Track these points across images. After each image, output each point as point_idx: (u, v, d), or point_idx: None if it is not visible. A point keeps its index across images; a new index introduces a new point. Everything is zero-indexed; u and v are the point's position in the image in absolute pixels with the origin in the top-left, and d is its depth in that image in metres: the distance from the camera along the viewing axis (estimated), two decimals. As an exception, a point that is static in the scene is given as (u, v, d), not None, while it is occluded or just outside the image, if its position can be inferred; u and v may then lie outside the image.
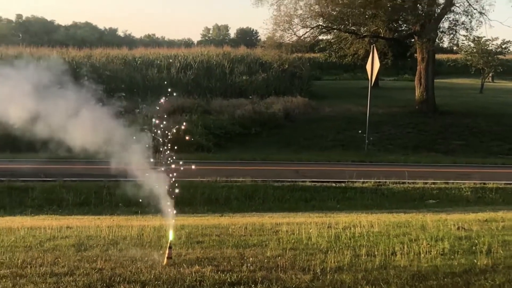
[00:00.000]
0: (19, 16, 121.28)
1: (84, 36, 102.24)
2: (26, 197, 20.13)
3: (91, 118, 9.15)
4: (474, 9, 43.46)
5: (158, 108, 9.64)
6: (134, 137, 9.11)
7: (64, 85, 9.51)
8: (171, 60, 48.72)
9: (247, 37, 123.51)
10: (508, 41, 58.93)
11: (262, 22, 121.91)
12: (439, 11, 43.40)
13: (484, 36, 56.66)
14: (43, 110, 9.00)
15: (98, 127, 9.06)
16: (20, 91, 9.11)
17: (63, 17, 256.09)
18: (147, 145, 9.01)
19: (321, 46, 58.37)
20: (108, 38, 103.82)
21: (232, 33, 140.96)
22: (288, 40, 45.51)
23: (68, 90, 9.48)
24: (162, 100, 9.79)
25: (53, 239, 10.01)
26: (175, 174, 8.64)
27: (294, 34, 45.12)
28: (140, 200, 9.30)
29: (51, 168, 22.91)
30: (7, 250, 9.14)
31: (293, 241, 9.97)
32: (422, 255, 9.00)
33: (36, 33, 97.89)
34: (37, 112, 9.01)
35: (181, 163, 8.55)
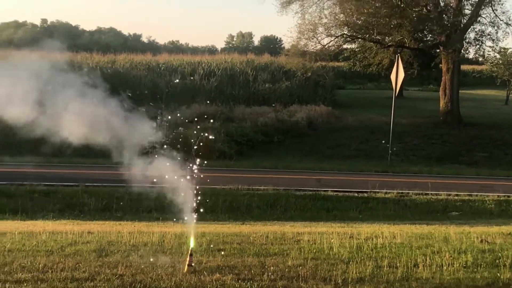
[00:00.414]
0: (44, 20, 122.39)
1: (108, 41, 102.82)
2: (48, 202, 20.21)
3: (114, 122, 9.16)
4: (501, 20, 43.24)
5: (181, 115, 9.65)
6: (157, 143, 9.11)
7: (85, 89, 9.53)
8: (195, 67, 48.79)
9: (271, 45, 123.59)
10: (535, 53, 58.45)
11: (286, 30, 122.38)
12: (465, 21, 43.15)
13: (510, 48, 56.33)
14: (65, 114, 9.03)
15: (120, 132, 9.07)
16: (44, 94, 9.15)
17: (88, 22, 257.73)
18: (169, 151, 9.00)
19: (345, 55, 58.18)
20: (132, 44, 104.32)
21: (256, 40, 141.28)
22: (312, 48, 45.39)
23: (90, 94, 9.51)
24: (185, 107, 9.80)
25: (74, 244, 10.04)
26: (198, 181, 8.63)
27: (319, 43, 45.02)
28: (161, 206, 9.30)
29: (72, 173, 23.01)
30: (29, 254, 9.17)
31: (314, 250, 9.92)
32: (445, 268, 8.92)
33: (60, 38, 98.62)
34: (59, 115, 9.04)
35: (201, 175, 8.54)
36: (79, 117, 9.08)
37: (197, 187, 8.75)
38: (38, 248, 9.71)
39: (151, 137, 9.23)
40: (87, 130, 9.07)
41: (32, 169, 24.15)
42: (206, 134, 9.68)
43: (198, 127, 9.60)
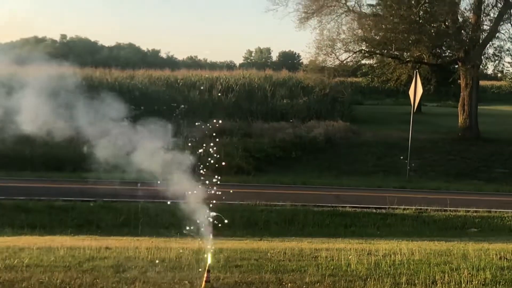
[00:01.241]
0: (63, 36, 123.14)
1: (127, 57, 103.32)
2: (66, 217, 20.28)
3: (130, 138, 9.21)
4: (519, 36, 43.12)
5: (199, 130, 9.70)
6: (175, 159, 9.13)
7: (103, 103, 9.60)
8: (213, 83, 48.90)
9: (289, 60, 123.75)
10: (553, 69, 58.15)
11: (305, 46, 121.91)
12: (483, 37, 43.05)
13: (529, 64, 56.14)
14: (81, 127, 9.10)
15: (139, 148, 9.11)
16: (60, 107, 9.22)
17: (107, 38, 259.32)
18: (188, 168, 9.02)
19: (364, 70, 58.19)
20: (151, 59, 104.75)
21: (274, 56, 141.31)
22: (331, 64, 45.39)
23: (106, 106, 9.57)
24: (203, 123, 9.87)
25: (92, 260, 10.06)
26: (215, 197, 8.64)
27: (337, 58, 45.01)
28: (179, 222, 9.30)
29: (90, 188, 23.06)
30: (47, 270, 9.20)
31: (332, 267, 9.88)
32: (463, 285, 8.87)
33: (79, 54, 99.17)
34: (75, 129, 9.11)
35: (218, 192, 8.54)
36: (100, 134, 9.15)
37: (215, 203, 8.76)
38: (56, 263, 9.74)
39: (169, 152, 9.26)
40: (107, 145, 9.13)
41: (51, 184, 24.28)
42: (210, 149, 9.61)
43: (214, 143, 9.58)
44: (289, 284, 8.59)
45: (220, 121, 36.59)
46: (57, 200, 21.81)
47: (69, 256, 10.39)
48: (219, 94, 47.22)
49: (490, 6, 43.39)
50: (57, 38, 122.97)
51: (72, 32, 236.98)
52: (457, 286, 8.83)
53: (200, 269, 9.21)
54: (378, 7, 46.18)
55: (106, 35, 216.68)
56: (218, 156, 9.04)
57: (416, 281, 8.96)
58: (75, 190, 22.81)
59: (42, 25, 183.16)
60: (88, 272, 9.11)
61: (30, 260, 9.93)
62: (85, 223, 19.79)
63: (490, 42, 43.72)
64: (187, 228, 9.02)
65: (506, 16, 42.42)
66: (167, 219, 18.33)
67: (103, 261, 9.94)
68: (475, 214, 23.05)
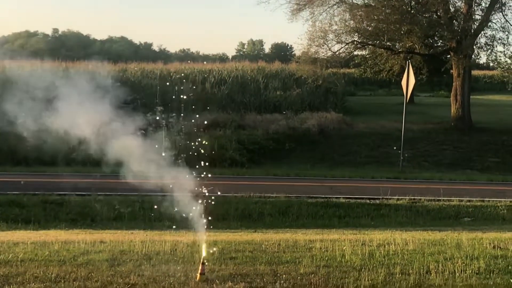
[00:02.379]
0: (55, 30, 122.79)
1: (120, 50, 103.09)
2: (60, 211, 20.26)
3: (123, 132, 9.21)
4: (511, 25, 43.14)
5: (192, 123, 9.70)
6: (168, 152, 9.13)
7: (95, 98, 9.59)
8: (206, 75, 48.81)
9: (281, 52, 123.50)
10: (546, 58, 58.21)
11: (297, 38, 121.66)
12: (475, 27, 43.04)
13: (522, 53, 56.09)
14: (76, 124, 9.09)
15: (130, 142, 9.11)
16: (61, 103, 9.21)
17: (99, 32, 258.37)
18: (180, 160, 9.03)
19: (356, 61, 58.09)
20: (143, 52, 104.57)
21: (267, 48, 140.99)
22: (323, 55, 45.33)
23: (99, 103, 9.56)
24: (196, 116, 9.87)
25: (86, 254, 10.06)
26: (209, 189, 8.66)
27: (329, 50, 44.94)
28: (173, 215, 9.31)
29: (84, 182, 23.05)
30: (41, 264, 9.20)
31: (326, 258, 9.91)
32: (457, 274, 8.90)
33: (72, 48, 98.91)
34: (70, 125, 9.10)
35: (209, 187, 8.56)
36: (91, 127, 9.14)
37: (208, 195, 8.77)
38: (51, 258, 9.74)
39: (162, 146, 9.26)
40: (98, 139, 9.12)
41: (45, 178, 24.26)
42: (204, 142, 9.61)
43: (207, 136, 9.62)
44: (284, 276, 8.61)
45: (213, 114, 36.70)
46: (52, 195, 21.79)
47: (63, 250, 10.39)
48: (212, 87, 47.13)
49: (482, -5, 43.46)
50: (49, 32, 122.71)
51: (64, 26, 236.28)
52: (451, 275, 8.86)
53: (194, 262, 9.23)
54: (370, -2, 46.15)
55: (98, 29, 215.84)
56: (211, 148, 9.07)
57: (410, 271, 8.99)
58: (69, 184, 22.77)
59: (34, 19, 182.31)
60: (83, 266, 9.12)
61: (25, 254, 9.93)
62: (79, 217, 19.79)
63: (482, 32, 43.69)
64: (182, 221, 9.03)
65: (498, 5, 42.41)
66: (162, 213, 18.33)
67: (98, 255, 9.94)
68: (468, 203, 23.11)
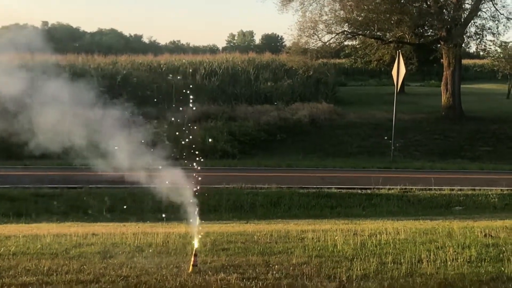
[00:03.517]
0: (44, 23, 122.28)
1: (110, 42, 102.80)
2: (52, 204, 20.22)
3: (114, 123, 9.19)
4: (501, 14, 43.28)
5: (183, 115, 9.69)
6: (160, 144, 9.13)
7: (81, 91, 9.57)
8: (196, 67, 48.72)
9: (272, 43, 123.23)
10: (536, 46, 58.35)
11: (287, 28, 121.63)
12: (465, 16, 43.13)
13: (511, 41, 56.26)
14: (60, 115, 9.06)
15: (120, 134, 9.09)
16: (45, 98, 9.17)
17: (89, 24, 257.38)
18: (172, 152, 9.02)
19: (346, 52, 58.20)
20: (134, 44, 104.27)
21: (257, 39, 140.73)
22: (313, 46, 45.40)
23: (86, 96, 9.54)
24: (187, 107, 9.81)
25: (78, 246, 10.05)
26: (200, 180, 8.66)
27: (319, 40, 45.02)
28: (165, 207, 9.31)
29: (76, 175, 23.02)
30: (33, 257, 9.18)
31: (318, 248, 9.93)
32: (449, 263, 8.92)
33: (61, 40, 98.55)
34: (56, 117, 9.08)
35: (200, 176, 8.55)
36: (78, 120, 9.12)
37: (200, 187, 8.78)
38: (43, 251, 9.73)
39: (153, 138, 9.26)
40: (88, 132, 9.10)
41: (36, 172, 24.21)
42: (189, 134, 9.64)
43: (199, 127, 9.63)
44: (276, 266, 8.62)
45: (204, 106, 36.66)
46: (43, 188, 21.75)
47: (55, 243, 10.37)
48: (203, 78, 47.07)
49: (471, -16, 43.54)
50: (38, 25, 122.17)
51: (53, 18, 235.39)
52: (442, 264, 8.89)
53: (187, 253, 9.23)
54: (360, -12, 46.14)
55: (88, 21, 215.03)
56: (202, 140, 9.07)
57: (402, 260, 9.01)
58: (60, 177, 22.74)
59: (23, 12, 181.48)
60: (75, 259, 9.10)
61: (17, 248, 9.90)
62: (71, 210, 19.74)
63: (472, 21, 43.80)
64: (174, 213, 9.03)
65: (487, -6, 42.54)
66: (154, 205, 18.31)
67: (90, 248, 9.93)
68: (459, 192, 23.20)
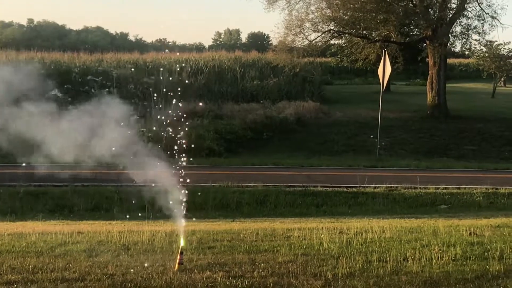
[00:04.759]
0: (30, 20, 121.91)
1: (96, 40, 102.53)
2: (37, 202, 20.14)
3: (100, 123, 9.16)
4: (486, 13, 43.43)
5: (169, 113, 9.65)
6: (145, 142, 9.11)
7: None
8: (183, 65, 48.59)
9: (258, 41, 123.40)
10: (521, 46, 58.72)
11: (274, 26, 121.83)
12: (451, 15, 43.29)
13: (496, 41, 56.52)
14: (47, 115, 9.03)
15: (108, 132, 9.07)
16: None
17: (75, 22, 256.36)
18: (158, 150, 9.01)
19: (333, 50, 58.36)
20: (119, 42, 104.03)
21: (244, 37, 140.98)
22: (300, 44, 45.40)
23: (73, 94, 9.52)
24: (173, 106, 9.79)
25: (64, 245, 10.02)
26: (186, 179, 8.65)
27: (306, 39, 45.05)
28: (151, 205, 9.30)
29: (61, 173, 22.93)
30: (18, 256, 9.16)
31: (304, 246, 9.95)
32: (434, 261, 8.97)
33: (47, 38, 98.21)
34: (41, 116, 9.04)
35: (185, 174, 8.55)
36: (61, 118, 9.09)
37: (186, 185, 8.77)
38: (28, 249, 9.70)
39: (138, 136, 9.24)
40: (71, 130, 9.08)
41: (21, 169, 24.06)
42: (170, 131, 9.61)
43: (185, 125, 9.57)
44: (262, 264, 8.63)
45: (190, 104, 36.59)
46: (29, 186, 21.65)
47: (41, 241, 10.34)
48: (189, 77, 46.97)
49: (457, -16, 43.71)
50: (24, 22, 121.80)
51: (39, 16, 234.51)
52: (428, 262, 8.93)
53: (173, 252, 9.23)
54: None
55: (74, 19, 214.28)
56: (188, 138, 9.05)
57: (388, 258, 9.05)
58: (46, 175, 22.63)
59: (8, 9, 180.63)
60: (61, 257, 9.08)
61: (2, 246, 9.87)
62: (56, 208, 19.69)
63: (458, 20, 43.97)
64: (160, 211, 9.01)
65: (472, -6, 42.71)
66: (140, 203, 18.27)
67: (76, 246, 9.90)
68: (444, 191, 23.28)
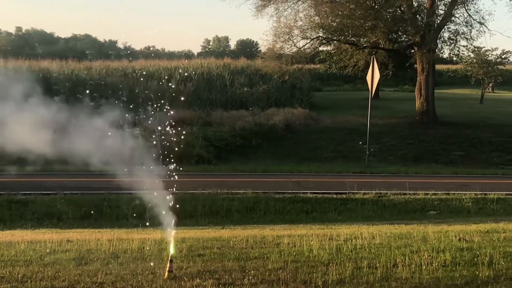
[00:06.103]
0: (18, 28, 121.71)
1: (84, 48, 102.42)
2: (26, 211, 20.08)
3: (89, 130, 9.14)
4: (474, 19, 43.57)
5: (158, 120, 9.64)
6: (134, 149, 9.10)
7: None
8: (171, 72, 48.56)
9: (247, 48, 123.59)
10: (508, 51, 59.03)
11: (262, 34, 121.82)
12: (438, 21, 43.44)
13: (484, 47, 56.81)
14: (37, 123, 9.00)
15: (96, 139, 9.05)
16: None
17: (63, 30, 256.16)
18: (147, 158, 9.00)
19: (321, 57, 58.39)
20: (108, 50, 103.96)
21: (232, 44, 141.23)
22: (288, 51, 45.44)
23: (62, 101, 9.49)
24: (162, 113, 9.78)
25: (53, 253, 9.99)
26: (175, 186, 8.64)
27: (294, 45, 45.08)
28: (141, 213, 9.29)
29: (50, 182, 22.87)
30: (7, 265, 9.12)
31: (294, 253, 9.95)
32: (424, 267, 8.99)
33: (36, 46, 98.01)
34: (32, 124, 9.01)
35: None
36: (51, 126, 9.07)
37: (176, 192, 8.76)
38: (17, 258, 9.66)
39: (128, 144, 9.22)
40: (63, 138, 9.05)
41: (9, 178, 24.00)
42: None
43: (174, 133, 9.57)
44: (252, 272, 8.62)
45: (179, 111, 36.53)
46: (17, 194, 21.58)
47: (30, 250, 10.30)
48: (178, 84, 46.93)
49: (444, -10, 43.88)
50: (12, 30, 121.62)
51: (27, 24, 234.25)
52: (417, 268, 8.94)
53: (162, 259, 9.21)
54: (334, -7, 46.32)
55: (62, 26, 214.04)
56: (177, 145, 9.03)
57: (377, 265, 9.06)
58: (34, 184, 22.57)
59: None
60: (50, 266, 9.05)
61: (-10, 255, 9.84)
62: (45, 216, 19.62)
63: (446, 26, 44.13)
64: (149, 219, 9.01)
65: (460, 0, 42.82)
66: (129, 211, 18.25)
67: (65, 254, 9.87)
68: (434, 196, 23.32)
